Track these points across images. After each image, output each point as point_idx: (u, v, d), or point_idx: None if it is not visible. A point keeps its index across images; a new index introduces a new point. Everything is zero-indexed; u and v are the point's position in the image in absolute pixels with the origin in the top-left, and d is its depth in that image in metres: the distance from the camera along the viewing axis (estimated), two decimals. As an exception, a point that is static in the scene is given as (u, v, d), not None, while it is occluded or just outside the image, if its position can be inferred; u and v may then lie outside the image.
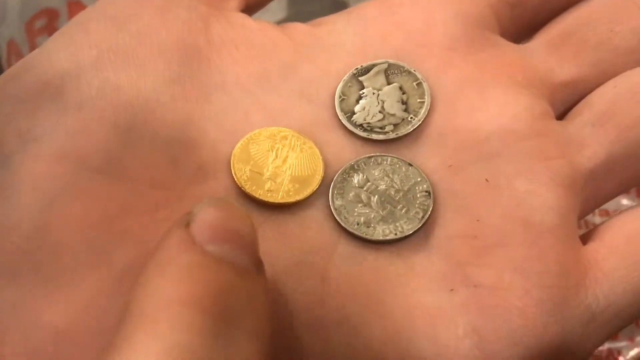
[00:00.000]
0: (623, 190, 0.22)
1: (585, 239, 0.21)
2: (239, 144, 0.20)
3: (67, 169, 0.18)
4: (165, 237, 0.15)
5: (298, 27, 0.23)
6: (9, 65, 0.38)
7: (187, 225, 0.15)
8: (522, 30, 0.24)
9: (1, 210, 0.18)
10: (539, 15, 0.24)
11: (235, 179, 0.20)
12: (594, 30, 0.23)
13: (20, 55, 0.38)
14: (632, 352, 0.31)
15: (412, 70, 0.22)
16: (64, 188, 0.18)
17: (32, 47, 0.37)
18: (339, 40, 0.23)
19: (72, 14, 0.38)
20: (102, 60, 0.20)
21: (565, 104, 0.23)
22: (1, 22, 0.38)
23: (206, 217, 0.15)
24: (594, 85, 0.23)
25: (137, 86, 0.20)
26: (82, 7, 0.37)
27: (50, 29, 0.38)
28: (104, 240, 0.18)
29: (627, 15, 0.23)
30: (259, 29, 0.22)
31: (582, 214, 0.21)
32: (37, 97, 0.19)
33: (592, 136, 0.21)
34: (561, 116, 0.23)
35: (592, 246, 0.20)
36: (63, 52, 0.20)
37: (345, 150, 0.21)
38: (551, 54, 0.23)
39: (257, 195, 0.20)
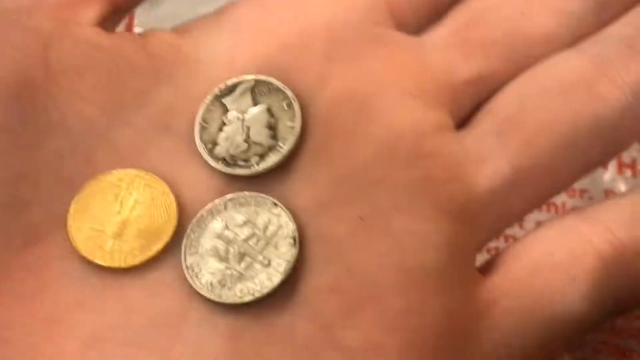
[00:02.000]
0: (536, 206, 0.19)
1: (488, 269, 0.18)
2: (75, 198, 0.17)
3: None
4: None
5: (161, 38, 0.19)
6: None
7: None
8: (426, 16, 0.21)
9: None
10: None
11: (71, 241, 0.17)
12: (502, 15, 0.19)
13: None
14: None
15: (282, 88, 0.18)
16: None
17: None
18: (206, 54, 0.19)
19: None
20: None
21: (473, 102, 0.19)
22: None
23: None
24: (507, 80, 0.19)
25: None
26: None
27: None
28: None
29: None
30: (113, 47, 0.18)
31: (488, 238, 0.18)
32: None
33: (494, 148, 0.18)
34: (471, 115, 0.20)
35: (492, 280, 0.17)
36: None
37: (207, 191, 0.18)
38: (454, 47, 0.19)
39: (96, 260, 0.17)
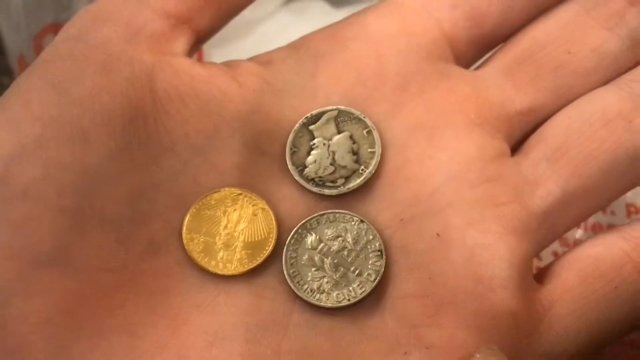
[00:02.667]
0: (581, 221, 0.21)
1: (542, 277, 0.21)
2: (189, 212, 0.19)
3: (17, 264, 0.17)
4: None
5: (247, 69, 0.21)
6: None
7: None
8: (480, 50, 0.23)
9: None
10: (497, 34, 0.23)
11: (187, 252, 0.19)
12: (550, 53, 0.21)
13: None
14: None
15: (362, 117, 0.21)
16: (17, 285, 0.17)
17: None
18: (289, 84, 0.21)
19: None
20: (46, 135, 0.18)
21: (524, 130, 0.22)
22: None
23: None
24: (553, 111, 0.21)
25: (82, 162, 0.18)
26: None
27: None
28: (62, 336, 0.17)
29: (584, 34, 0.22)
30: (206, 77, 0.20)
31: (539, 250, 0.21)
32: None
33: (546, 173, 0.20)
34: (522, 142, 0.22)
35: (547, 288, 0.19)
36: (5, 131, 0.18)
37: (299, 207, 0.20)
38: (507, 80, 0.22)
39: (210, 268, 0.19)
